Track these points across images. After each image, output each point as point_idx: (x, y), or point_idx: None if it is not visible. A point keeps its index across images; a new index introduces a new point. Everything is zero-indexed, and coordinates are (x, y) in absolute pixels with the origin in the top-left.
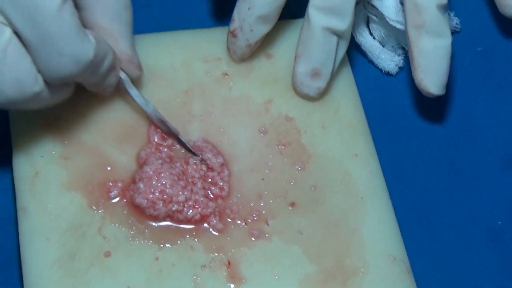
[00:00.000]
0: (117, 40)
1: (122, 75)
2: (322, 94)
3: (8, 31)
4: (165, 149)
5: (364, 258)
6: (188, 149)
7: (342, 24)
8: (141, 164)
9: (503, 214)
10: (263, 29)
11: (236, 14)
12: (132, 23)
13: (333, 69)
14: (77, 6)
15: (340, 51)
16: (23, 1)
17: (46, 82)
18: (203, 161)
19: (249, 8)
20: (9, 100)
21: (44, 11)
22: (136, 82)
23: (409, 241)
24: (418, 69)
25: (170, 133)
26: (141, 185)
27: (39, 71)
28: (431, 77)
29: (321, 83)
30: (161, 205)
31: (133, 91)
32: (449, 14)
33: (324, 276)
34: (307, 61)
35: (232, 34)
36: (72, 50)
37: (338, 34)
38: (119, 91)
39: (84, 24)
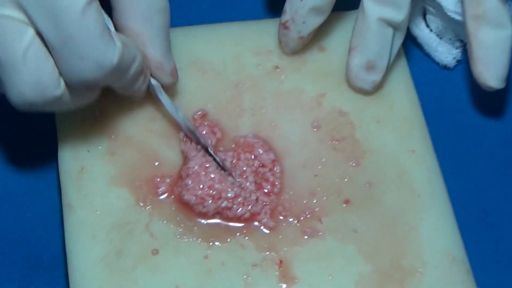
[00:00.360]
0: (147, 45)
1: (153, 81)
2: (377, 88)
3: (30, 32)
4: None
5: (421, 257)
6: (217, 163)
7: (398, 15)
8: (186, 159)
9: None
10: (316, 21)
11: (288, 5)
12: (168, 27)
13: (388, 62)
14: (111, 7)
15: (395, 43)
16: (47, 1)
17: (68, 85)
18: (234, 180)
19: (301, 0)
20: (28, 103)
21: (68, 12)
22: (184, 78)
23: (469, 241)
24: (477, 62)
25: (200, 144)
26: (189, 181)
27: (61, 75)
28: (491, 70)
29: (376, 76)
30: (210, 201)
31: (163, 99)
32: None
33: (380, 277)
34: (362, 54)
35: (284, 26)
36: (95, 54)
37: (394, 26)
38: (151, 95)
39: (116, 26)
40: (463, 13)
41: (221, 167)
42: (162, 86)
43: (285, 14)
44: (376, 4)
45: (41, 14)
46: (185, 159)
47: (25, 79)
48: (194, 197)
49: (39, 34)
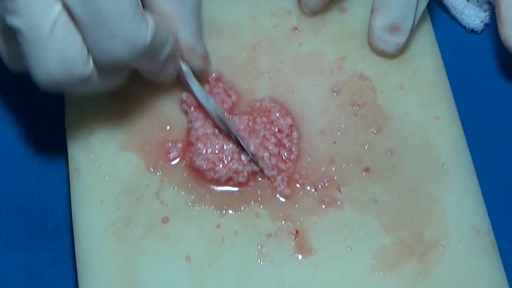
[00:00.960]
0: (179, 27)
1: (184, 66)
2: (401, 51)
3: (58, 6)
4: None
5: (445, 230)
6: (247, 154)
7: None
8: (190, 123)
9: None
10: None
11: None
12: (199, 8)
13: (413, 24)
14: None
15: (421, 4)
16: None
17: (97, 65)
18: (262, 173)
19: None
20: (55, 81)
21: None
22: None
23: (494, 214)
24: (506, 24)
25: (230, 133)
26: (200, 145)
27: (90, 53)
28: None
29: (400, 39)
30: (221, 166)
31: (194, 85)
32: None
33: (401, 249)
34: (386, 15)
35: None
36: (127, 32)
37: None
38: (180, 80)
39: (146, 7)
40: None
41: (252, 159)
42: (194, 73)
43: None
44: None
45: None
46: (189, 122)
47: (51, 55)
48: (206, 162)
49: (67, 9)
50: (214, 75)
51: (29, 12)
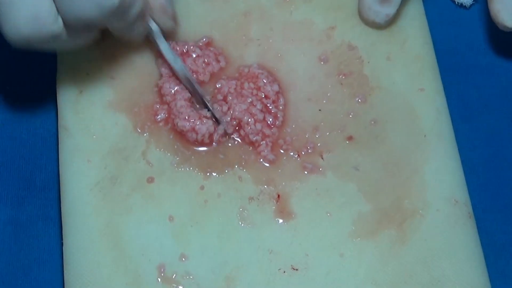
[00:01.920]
0: None
1: (153, 26)
2: (390, 22)
3: None
4: None
5: (424, 199)
6: (215, 118)
7: None
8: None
9: None
10: None
11: None
12: None
13: None
14: None
15: None
16: None
17: (66, 23)
18: (226, 134)
19: None
20: (24, 38)
21: None
22: (191, 4)
23: (473, 185)
24: (495, 0)
25: (196, 94)
26: (179, 107)
27: (59, 11)
28: (509, 9)
29: (390, 10)
30: (199, 124)
31: (162, 45)
32: None
33: (380, 216)
34: None
35: None
36: None
37: None
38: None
39: None
40: None
41: (217, 120)
42: (162, 32)
43: None
44: None
45: None
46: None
47: (21, 13)
48: (187, 123)
49: None
50: (204, 39)
51: None
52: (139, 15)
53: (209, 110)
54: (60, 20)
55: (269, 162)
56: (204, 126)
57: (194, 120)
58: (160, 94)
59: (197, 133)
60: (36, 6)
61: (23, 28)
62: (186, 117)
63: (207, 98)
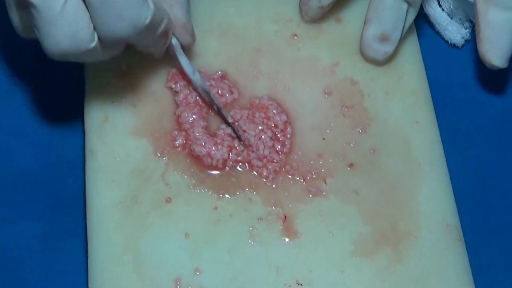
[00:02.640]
0: (173, 6)
1: (174, 41)
2: (388, 59)
3: None
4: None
5: (417, 222)
6: (227, 123)
7: None
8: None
9: None
10: None
11: None
12: None
13: (401, 35)
14: None
15: (409, 18)
16: None
17: (101, 40)
18: (240, 141)
19: None
20: (62, 52)
21: None
22: (207, 41)
23: (463, 210)
24: (484, 41)
25: (213, 105)
26: (197, 133)
27: (96, 30)
28: (496, 50)
29: (389, 48)
30: (215, 149)
31: (182, 58)
32: None
33: (377, 237)
34: (377, 25)
35: None
36: (131, 13)
37: (409, 2)
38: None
39: None
40: None
41: (231, 126)
42: (182, 47)
43: None
44: None
45: None
46: (177, 103)
47: (61, 31)
48: (203, 148)
49: None
50: (219, 72)
51: None
52: (164, 33)
53: (228, 125)
54: (96, 37)
55: (271, 182)
56: (219, 152)
57: (210, 146)
58: (178, 122)
59: (212, 158)
60: (75, 25)
61: (62, 44)
62: (203, 143)
63: (225, 111)
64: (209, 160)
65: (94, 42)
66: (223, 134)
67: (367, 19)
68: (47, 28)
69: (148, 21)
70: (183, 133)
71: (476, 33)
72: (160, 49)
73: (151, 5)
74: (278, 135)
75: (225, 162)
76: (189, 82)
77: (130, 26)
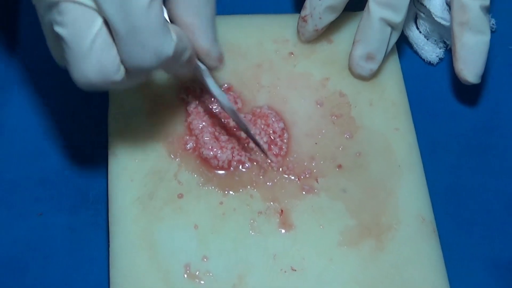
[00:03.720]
0: (196, 35)
1: (201, 65)
2: (373, 75)
3: (99, 21)
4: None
5: (397, 217)
6: (255, 142)
7: (397, 17)
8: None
9: None
10: (330, 18)
11: (308, 3)
12: (214, 17)
13: (385, 55)
14: None
15: (392, 40)
16: None
17: (127, 70)
18: (264, 153)
19: None
20: (91, 84)
21: (136, 4)
22: None
23: (438, 207)
24: (459, 60)
25: (240, 124)
26: (206, 138)
27: (122, 61)
28: (470, 68)
29: (374, 66)
30: (220, 152)
31: (209, 81)
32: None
33: (362, 229)
34: (364, 46)
35: (303, 19)
36: (155, 44)
37: (392, 26)
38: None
39: (169, 15)
40: (451, 19)
41: (258, 145)
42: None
43: (305, 9)
44: (379, 6)
45: (111, 4)
46: (188, 112)
47: (90, 64)
48: (210, 152)
49: (106, 22)
50: (226, 85)
51: (73, 23)
52: (187, 60)
53: (255, 143)
54: (122, 69)
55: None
56: (224, 155)
57: (216, 149)
58: (190, 128)
59: (218, 160)
60: (103, 60)
61: (90, 77)
62: (210, 147)
63: (250, 128)
64: (216, 161)
65: (120, 74)
66: (227, 139)
67: (355, 40)
68: (77, 62)
69: (171, 52)
70: (194, 138)
71: (453, 53)
72: (185, 74)
73: (174, 36)
74: (276, 140)
75: (229, 163)
76: (199, 96)
77: (154, 57)
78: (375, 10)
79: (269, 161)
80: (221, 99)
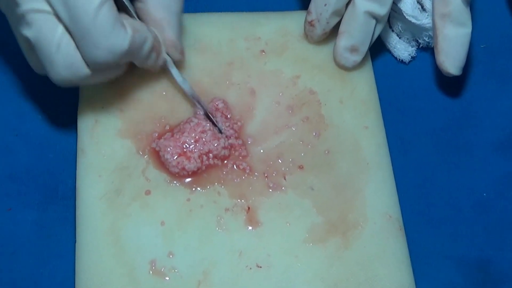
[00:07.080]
0: (165, 29)
1: (167, 57)
2: (356, 67)
3: (60, 28)
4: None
5: (364, 214)
6: (214, 125)
7: (382, 10)
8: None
9: (488, 188)
10: (336, 20)
11: (313, 8)
12: (181, 13)
13: (368, 47)
14: None
15: (376, 33)
16: (69, 1)
17: (91, 67)
18: (226, 137)
19: (325, 5)
20: (66, 80)
21: (84, 10)
22: (187, 55)
23: (405, 205)
24: (441, 53)
25: (202, 108)
26: (167, 156)
27: (83, 59)
28: (452, 60)
29: (357, 58)
30: (188, 163)
31: (173, 70)
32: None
33: (329, 227)
34: (349, 38)
35: (310, 24)
36: (107, 43)
37: (377, 18)
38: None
39: (138, 10)
40: (432, 11)
41: (217, 126)
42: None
43: (310, 14)
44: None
45: (64, 11)
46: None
47: (59, 64)
48: (175, 167)
49: (66, 28)
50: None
51: (40, 32)
52: (150, 50)
53: (213, 123)
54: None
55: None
56: (192, 165)
57: (183, 163)
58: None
59: (187, 171)
60: (69, 58)
61: (63, 74)
62: (175, 164)
63: (211, 113)
64: (184, 172)
65: (87, 70)
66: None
67: (340, 31)
68: (49, 63)
69: (126, 46)
70: (164, 135)
71: (434, 45)
72: (154, 64)
73: (129, 31)
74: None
75: (198, 169)
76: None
77: (110, 54)
78: (361, 2)
79: (221, 133)
80: (184, 87)
